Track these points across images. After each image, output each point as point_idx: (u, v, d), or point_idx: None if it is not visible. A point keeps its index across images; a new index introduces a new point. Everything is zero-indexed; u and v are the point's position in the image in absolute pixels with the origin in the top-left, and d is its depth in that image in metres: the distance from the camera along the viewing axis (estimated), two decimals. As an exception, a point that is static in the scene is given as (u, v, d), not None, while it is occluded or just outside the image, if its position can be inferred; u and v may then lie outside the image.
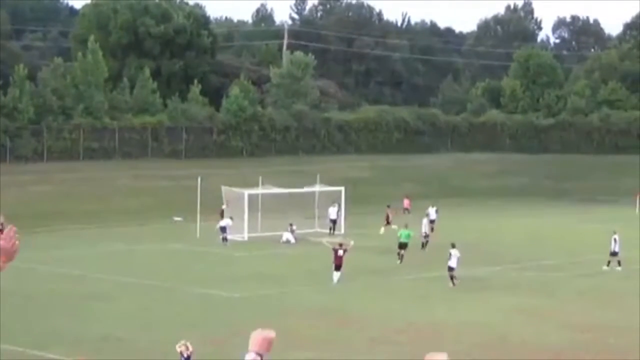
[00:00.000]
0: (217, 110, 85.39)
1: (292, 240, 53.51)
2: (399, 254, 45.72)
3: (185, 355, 23.78)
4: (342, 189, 59.13)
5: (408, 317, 33.59)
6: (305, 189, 59.60)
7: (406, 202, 68.74)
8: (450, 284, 39.91)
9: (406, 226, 47.58)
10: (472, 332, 31.16)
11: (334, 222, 57.04)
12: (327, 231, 56.34)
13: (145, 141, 79.99)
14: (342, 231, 57.18)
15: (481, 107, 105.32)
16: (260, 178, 58.44)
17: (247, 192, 55.28)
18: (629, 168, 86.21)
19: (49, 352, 27.60)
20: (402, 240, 46.07)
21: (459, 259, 40.22)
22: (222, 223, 52.73)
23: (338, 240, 45.88)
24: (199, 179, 55.07)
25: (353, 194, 62.67)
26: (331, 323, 32.41)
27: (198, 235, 53.32)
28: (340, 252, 40.05)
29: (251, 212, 54.91)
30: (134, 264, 44.93)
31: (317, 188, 59.96)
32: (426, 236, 51.17)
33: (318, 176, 61.15)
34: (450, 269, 39.99)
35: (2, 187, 62.64)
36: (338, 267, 39.80)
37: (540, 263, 46.70)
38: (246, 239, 53.50)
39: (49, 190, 67.03)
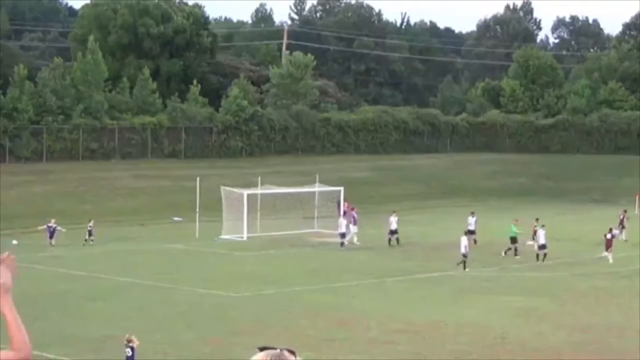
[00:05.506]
0: (217, 110, 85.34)
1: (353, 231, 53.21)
2: (509, 249, 48.48)
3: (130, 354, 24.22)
4: (342, 189, 59.08)
5: (408, 317, 33.55)
6: (305, 189, 59.55)
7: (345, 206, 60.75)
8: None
9: (517, 220, 50.43)
10: (472, 332, 31.12)
11: (393, 232, 51.76)
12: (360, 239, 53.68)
13: (145, 141, 79.99)
14: (342, 230, 57.11)
15: (481, 107, 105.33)
16: (259, 178, 58.43)
17: (246, 192, 55.27)
18: (628, 168, 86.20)
19: (49, 352, 27.56)
20: (512, 234, 49.22)
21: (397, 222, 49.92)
22: (343, 229, 51.97)
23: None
24: (198, 179, 55.06)
25: (352, 194, 62.62)
26: (331, 323, 32.37)
27: (197, 235, 53.31)
28: (609, 236, 47.37)
29: (250, 212, 54.90)
30: (134, 264, 44.90)
31: (317, 188, 59.91)
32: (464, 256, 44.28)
33: (317, 176, 61.12)
34: (392, 232, 50.07)
35: (2, 187, 62.65)
36: (607, 248, 46.95)
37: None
38: (245, 239, 53.52)
39: (49, 190, 67.00)
